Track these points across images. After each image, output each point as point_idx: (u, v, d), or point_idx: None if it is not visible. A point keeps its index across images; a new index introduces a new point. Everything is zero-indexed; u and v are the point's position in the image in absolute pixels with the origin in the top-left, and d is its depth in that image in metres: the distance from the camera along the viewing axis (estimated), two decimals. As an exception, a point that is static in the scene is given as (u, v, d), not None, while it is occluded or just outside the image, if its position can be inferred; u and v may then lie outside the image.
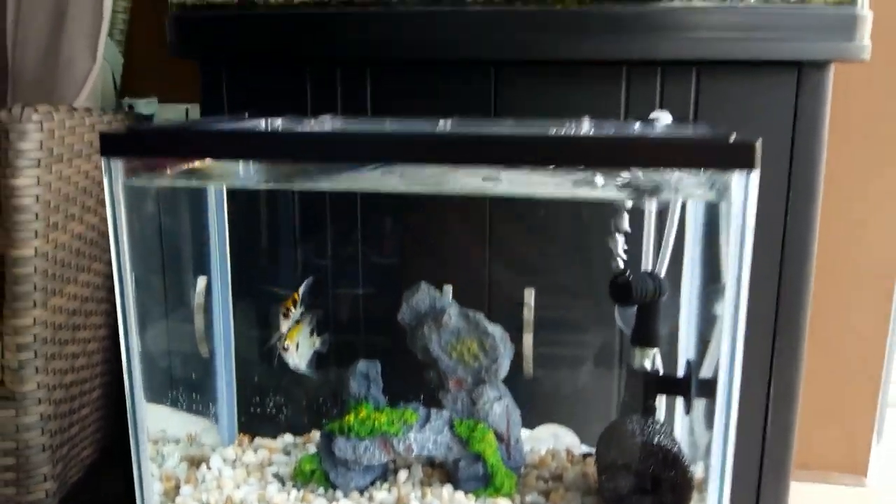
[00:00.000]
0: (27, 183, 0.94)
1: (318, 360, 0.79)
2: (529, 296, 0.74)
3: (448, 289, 0.74)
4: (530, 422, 0.85)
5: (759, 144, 0.52)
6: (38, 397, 0.97)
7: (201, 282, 0.78)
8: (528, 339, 0.73)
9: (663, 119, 0.76)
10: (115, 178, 0.60)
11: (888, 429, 1.28)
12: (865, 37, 0.86)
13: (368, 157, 0.58)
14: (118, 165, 0.59)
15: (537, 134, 0.64)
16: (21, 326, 0.95)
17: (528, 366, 0.74)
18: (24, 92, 1.29)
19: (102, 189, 1.09)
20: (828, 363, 1.21)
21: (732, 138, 0.53)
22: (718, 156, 0.52)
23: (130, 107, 1.54)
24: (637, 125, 0.76)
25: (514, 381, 0.74)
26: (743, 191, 0.52)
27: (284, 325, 0.75)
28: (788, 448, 0.94)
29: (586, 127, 0.73)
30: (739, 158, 0.52)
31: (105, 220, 1.12)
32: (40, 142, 0.94)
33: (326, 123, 0.83)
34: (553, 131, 0.66)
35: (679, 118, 0.82)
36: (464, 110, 0.96)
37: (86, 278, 1.07)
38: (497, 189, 0.62)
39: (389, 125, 0.83)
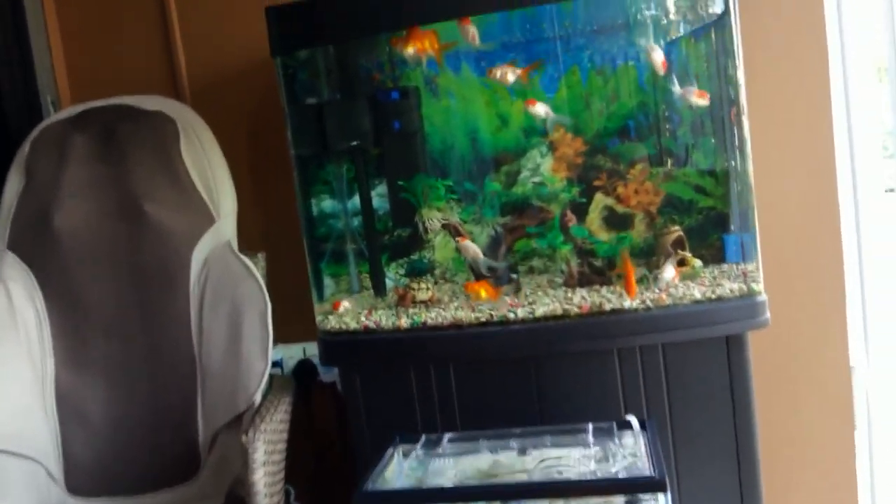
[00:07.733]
0: (259, 476, 1.55)
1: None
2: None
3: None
4: None
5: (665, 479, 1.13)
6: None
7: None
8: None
9: (633, 421, 1.36)
10: None
11: None
12: (766, 312, 1.48)
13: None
14: None
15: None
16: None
17: None
18: (213, 383, 1.90)
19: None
20: None
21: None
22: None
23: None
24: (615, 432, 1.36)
25: None
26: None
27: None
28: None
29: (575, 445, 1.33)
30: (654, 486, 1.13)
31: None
32: (265, 450, 1.56)
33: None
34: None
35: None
36: (515, 388, 1.57)
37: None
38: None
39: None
